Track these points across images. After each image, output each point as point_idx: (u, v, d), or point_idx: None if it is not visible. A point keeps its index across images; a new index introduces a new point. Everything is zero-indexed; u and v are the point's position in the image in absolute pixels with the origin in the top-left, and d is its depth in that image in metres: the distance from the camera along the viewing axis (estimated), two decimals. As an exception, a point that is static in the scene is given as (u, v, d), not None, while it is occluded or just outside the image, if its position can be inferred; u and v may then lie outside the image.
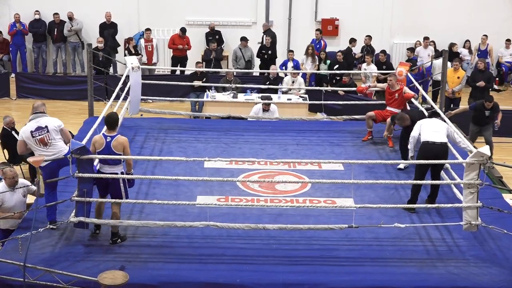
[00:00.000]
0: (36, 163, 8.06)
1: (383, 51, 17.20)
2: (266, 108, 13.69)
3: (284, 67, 17.19)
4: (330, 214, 9.13)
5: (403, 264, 8.04)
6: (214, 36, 18.68)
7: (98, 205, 8.42)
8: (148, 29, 18.26)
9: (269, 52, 17.99)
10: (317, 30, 18.76)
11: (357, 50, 18.46)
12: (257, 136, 12.34)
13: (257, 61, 19.20)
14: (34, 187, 8.72)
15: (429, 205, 9.01)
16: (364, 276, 7.79)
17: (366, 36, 18.40)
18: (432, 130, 9.48)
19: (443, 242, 8.56)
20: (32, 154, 11.76)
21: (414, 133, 9.69)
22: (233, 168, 10.69)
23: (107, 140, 8.21)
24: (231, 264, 7.97)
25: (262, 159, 10.10)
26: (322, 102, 14.57)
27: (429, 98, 11.87)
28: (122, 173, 8.26)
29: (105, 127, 8.40)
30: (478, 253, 8.27)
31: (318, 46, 18.24)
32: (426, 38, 18.65)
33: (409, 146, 9.78)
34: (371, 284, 7.67)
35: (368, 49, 18.09)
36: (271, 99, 14.71)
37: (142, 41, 18.16)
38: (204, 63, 17.78)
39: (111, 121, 8.32)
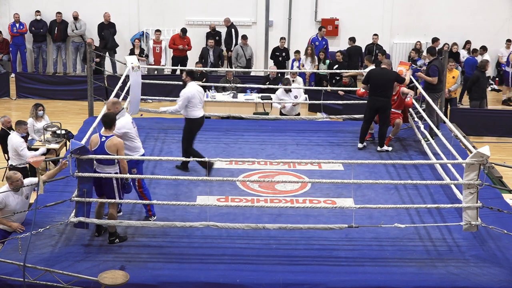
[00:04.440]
0: (36, 163, 8.06)
1: (383, 51, 17.22)
2: (287, 89, 13.89)
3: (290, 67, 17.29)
4: (330, 214, 9.14)
5: (403, 264, 8.04)
6: (214, 37, 18.69)
7: (97, 208, 8.40)
8: (158, 31, 18.28)
9: (283, 54, 18.00)
10: (322, 27, 18.72)
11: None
12: (257, 136, 12.34)
13: (259, 62, 19.24)
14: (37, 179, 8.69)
15: (429, 206, 9.01)
16: (364, 276, 7.78)
17: (374, 35, 18.45)
18: (200, 104, 10.40)
19: (443, 242, 8.56)
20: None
21: (180, 105, 10.28)
22: (233, 168, 10.70)
23: (102, 140, 8.20)
24: (231, 264, 7.97)
25: (262, 159, 10.11)
26: (322, 102, 14.58)
27: (428, 97, 11.84)
28: (116, 173, 8.25)
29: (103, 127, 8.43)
30: (478, 253, 8.27)
31: (324, 43, 18.21)
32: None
33: (179, 109, 10.36)
34: (371, 284, 7.66)
35: (378, 47, 18.12)
36: (270, 99, 14.73)
37: (151, 42, 18.18)
38: (203, 61, 17.82)
39: (107, 120, 8.32)
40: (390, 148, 11.58)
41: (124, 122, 8.81)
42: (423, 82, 12.60)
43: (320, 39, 18.49)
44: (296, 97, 13.90)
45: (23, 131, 11.26)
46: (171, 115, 13.31)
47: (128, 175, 8.42)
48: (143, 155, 9.01)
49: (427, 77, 12.13)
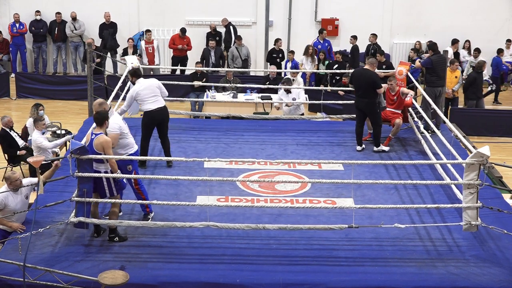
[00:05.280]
0: (36, 163, 8.06)
1: (381, 51, 17.22)
2: (287, 90, 13.83)
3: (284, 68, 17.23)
4: (330, 214, 9.14)
5: (403, 264, 8.04)
6: (214, 37, 18.69)
7: (92, 208, 8.38)
8: (148, 31, 18.23)
9: (280, 55, 17.96)
10: (322, 30, 18.69)
11: (361, 48, 18.47)
12: (257, 136, 12.34)
13: (258, 62, 19.19)
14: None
15: (429, 206, 9.01)
16: (364, 276, 7.78)
17: (371, 34, 18.43)
18: (152, 98, 10.46)
19: (443, 242, 8.56)
20: (31, 154, 11.80)
21: (125, 105, 10.64)
22: (233, 168, 10.70)
23: (92, 137, 8.24)
24: (231, 264, 7.97)
25: (262, 159, 10.10)
26: (322, 102, 14.58)
27: (428, 97, 11.85)
28: (105, 171, 8.24)
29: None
30: (478, 253, 8.27)
31: (327, 45, 18.14)
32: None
33: (124, 108, 10.64)
34: (371, 284, 7.66)
35: (374, 47, 18.12)
36: (270, 99, 14.74)
37: (142, 43, 18.17)
38: (204, 61, 17.84)
39: (99, 118, 8.35)
40: (387, 148, 11.54)
41: (119, 121, 8.87)
42: (425, 76, 12.73)
43: (321, 41, 18.40)
44: (294, 99, 13.83)
45: (41, 127, 11.56)
46: (171, 115, 13.37)
47: (128, 175, 8.43)
48: (136, 151, 9.04)
49: (418, 63, 12.43)
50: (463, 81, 16.10)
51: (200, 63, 17.07)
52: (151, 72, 18.33)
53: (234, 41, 18.49)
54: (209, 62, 17.92)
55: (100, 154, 8.10)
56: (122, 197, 8.63)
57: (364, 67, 11.66)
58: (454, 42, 18.38)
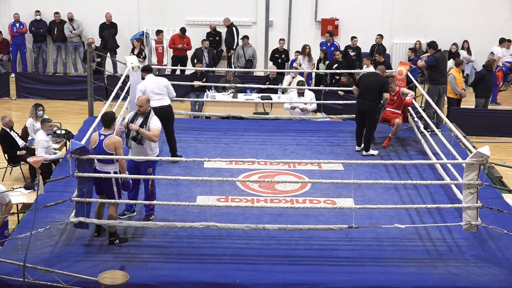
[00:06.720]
0: (36, 163, 8.06)
1: (380, 51, 17.20)
2: (301, 92, 13.85)
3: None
4: (330, 214, 9.14)
5: (403, 264, 8.05)
6: (214, 37, 18.67)
7: (97, 208, 8.40)
8: (160, 31, 18.29)
9: (283, 55, 17.93)
10: (327, 33, 18.68)
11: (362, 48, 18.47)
12: (257, 136, 12.35)
13: (258, 62, 19.16)
14: (7, 198, 8.62)
15: (429, 206, 9.01)
16: (364, 276, 7.79)
17: (378, 35, 18.42)
18: (156, 95, 10.50)
19: (443, 242, 8.57)
20: (32, 154, 11.81)
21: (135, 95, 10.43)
22: (233, 168, 10.70)
23: (101, 138, 8.25)
24: (231, 264, 7.97)
25: (262, 159, 10.11)
26: (322, 102, 14.58)
27: (429, 98, 11.85)
28: (115, 172, 8.26)
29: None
30: (478, 253, 8.27)
31: (333, 49, 18.10)
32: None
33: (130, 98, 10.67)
34: (371, 284, 7.67)
35: (380, 48, 18.11)
36: (271, 99, 14.73)
37: (153, 42, 18.21)
38: (195, 61, 17.81)
39: (107, 119, 8.37)
40: (375, 152, 11.45)
41: (159, 122, 8.98)
42: (427, 74, 12.73)
43: (328, 44, 18.35)
44: (305, 103, 13.87)
45: (47, 129, 11.43)
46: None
47: (127, 175, 8.43)
48: (158, 155, 9.12)
49: (421, 62, 12.39)
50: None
51: (200, 63, 17.06)
52: (157, 72, 18.33)
53: (237, 42, 18.47)
54: (202, 62, 17.86)
55: (111, 154, 8.12)
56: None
57: (375, 72, 11.67)
58: (502, 41, 18.32)
